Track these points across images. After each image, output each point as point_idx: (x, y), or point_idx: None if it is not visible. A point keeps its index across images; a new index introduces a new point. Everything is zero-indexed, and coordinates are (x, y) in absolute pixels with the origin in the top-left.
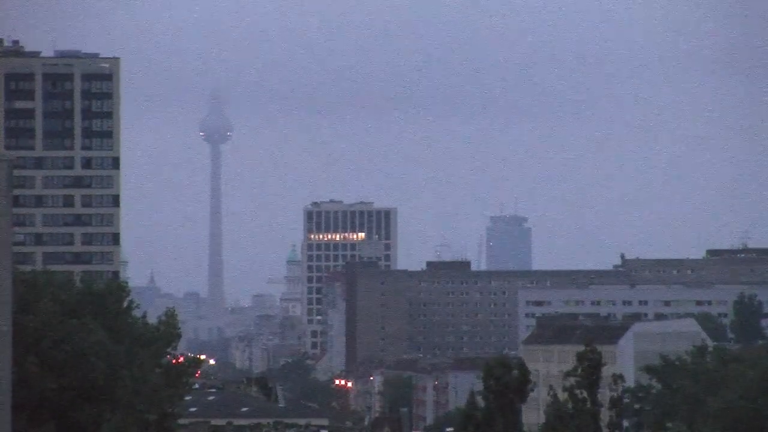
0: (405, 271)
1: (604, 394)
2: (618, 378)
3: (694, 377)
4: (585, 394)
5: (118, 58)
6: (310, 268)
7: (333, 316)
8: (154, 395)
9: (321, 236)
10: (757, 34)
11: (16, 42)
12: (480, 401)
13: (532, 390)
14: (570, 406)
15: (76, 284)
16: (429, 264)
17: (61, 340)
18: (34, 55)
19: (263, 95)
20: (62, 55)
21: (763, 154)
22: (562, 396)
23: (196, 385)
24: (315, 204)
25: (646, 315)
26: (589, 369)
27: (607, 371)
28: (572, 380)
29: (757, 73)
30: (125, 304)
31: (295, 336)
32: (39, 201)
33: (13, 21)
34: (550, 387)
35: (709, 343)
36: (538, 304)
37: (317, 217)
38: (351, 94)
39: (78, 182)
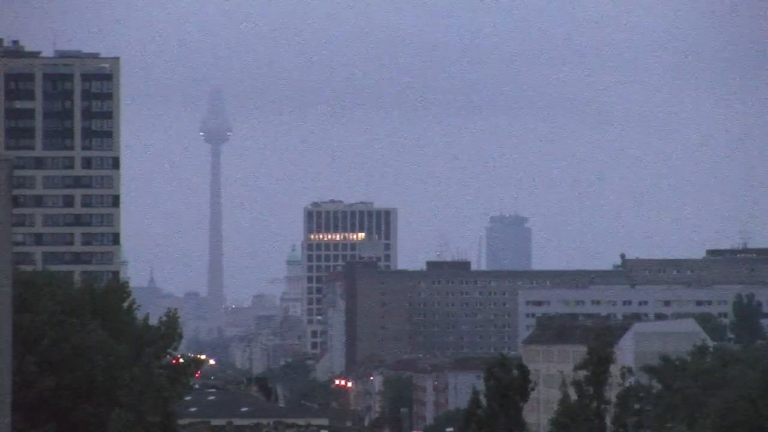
0: (405, 271)
1: (609, 392)
2: (627, 371)
3: (694, 377)
4: (592, 390)
5: (118, 58)
6: (310, 268)
7: (333, 316)
8: (158, 395)
9: (321, 236)
10: (758, 35)
11: (16, 42)
12: (482, 401)
13: (533, 389)
14: (578, 403)
15: (76, 284)
16: (429, 264)
17: (61, 340)
18: (34, 55)
19: (263, 95)
20: (62, 55)
21: (763, 154)
22: (571, 392)
23: (196, 385)
24: (315, 204)
25: (646, 315)
26: (599, 364)
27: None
28: (581, 374)
29: (759, 73)
30: (126, 304)
31: (295, 336)
32: (39, 201)
33: (13, 21)
34: (563, 382)
35: (709, 343)
36: (538, 304)
37: (317, 217)
38: (351, 94)
39: (78, 182)
